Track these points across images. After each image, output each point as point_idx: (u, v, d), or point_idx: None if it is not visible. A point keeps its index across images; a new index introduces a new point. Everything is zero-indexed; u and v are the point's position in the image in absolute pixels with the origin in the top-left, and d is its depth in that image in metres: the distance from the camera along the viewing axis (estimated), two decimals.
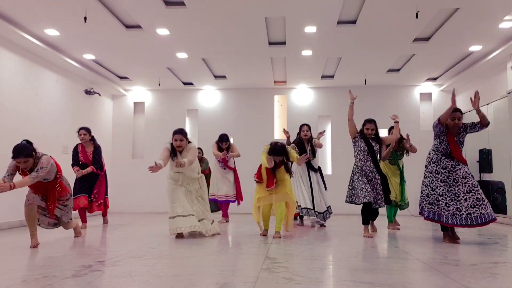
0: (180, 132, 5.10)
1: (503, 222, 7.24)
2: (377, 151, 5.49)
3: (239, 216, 8.07)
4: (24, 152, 4.25)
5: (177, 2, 5.73)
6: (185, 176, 5.16)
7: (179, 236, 5.06)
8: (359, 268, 3.23)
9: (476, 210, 4.50)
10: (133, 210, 9.51)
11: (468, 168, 4.78)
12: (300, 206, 6.30)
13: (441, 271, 3.08)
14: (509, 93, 7.19)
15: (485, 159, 8.10)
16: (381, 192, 5.26)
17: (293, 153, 5.16)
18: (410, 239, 5.11)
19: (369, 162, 5.31)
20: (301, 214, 6.41)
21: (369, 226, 5.58)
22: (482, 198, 4.55)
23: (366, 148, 5.34)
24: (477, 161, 8.33)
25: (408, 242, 4.77)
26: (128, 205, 9.69)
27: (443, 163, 4.78)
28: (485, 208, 4.50)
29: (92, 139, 6.39)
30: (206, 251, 4.09)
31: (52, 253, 4.04)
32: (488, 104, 8.08)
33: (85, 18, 5.69)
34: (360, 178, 5.26)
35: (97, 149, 6.35)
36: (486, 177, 8.20)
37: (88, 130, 6.35)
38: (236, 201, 7.09)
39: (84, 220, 6.26)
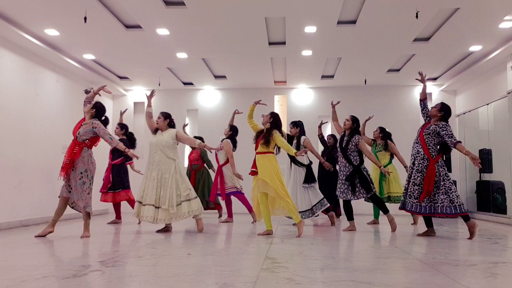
0: (160, 113, 5.71)
1: (503, 222, 7.23)
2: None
3: (240, 216, 8.06)
4: (97, 103, 5.30)
5: (177, 2, 5.73)
6: (162, 156, 5.42)
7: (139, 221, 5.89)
8: (359, 268, 3.22)
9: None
10: (133, 209, 9.49)
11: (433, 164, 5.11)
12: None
13: (441, 271, 3.08)
14: (509, 93, 7.19)
15: (485, 159, 8.09)
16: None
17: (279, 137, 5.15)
18: (410, 239, 5.11)
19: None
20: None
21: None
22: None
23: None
24: None
25: (408, 242, 4.78)
26: (128, 204, 9.66)
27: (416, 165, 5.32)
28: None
29: (125, 134, 7.08)
30: (206, 251, 4.09)
31: (52, 253, 4.05)
32: (488, 104, 8.08)
33: (85, 18, 5.69)
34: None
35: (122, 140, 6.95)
36: (486, 177, 8.20)
37: (121, 126, 7.14)
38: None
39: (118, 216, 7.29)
